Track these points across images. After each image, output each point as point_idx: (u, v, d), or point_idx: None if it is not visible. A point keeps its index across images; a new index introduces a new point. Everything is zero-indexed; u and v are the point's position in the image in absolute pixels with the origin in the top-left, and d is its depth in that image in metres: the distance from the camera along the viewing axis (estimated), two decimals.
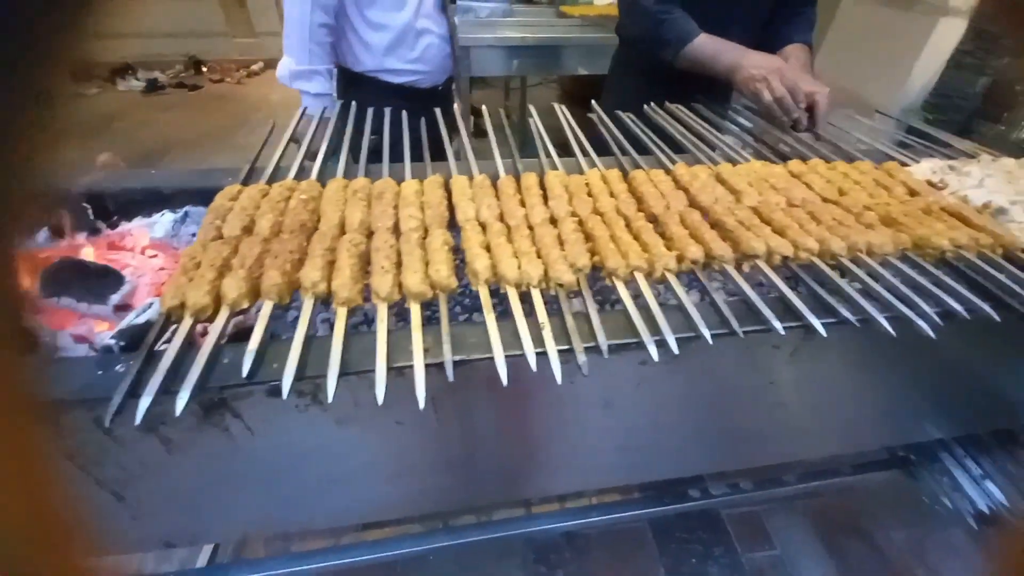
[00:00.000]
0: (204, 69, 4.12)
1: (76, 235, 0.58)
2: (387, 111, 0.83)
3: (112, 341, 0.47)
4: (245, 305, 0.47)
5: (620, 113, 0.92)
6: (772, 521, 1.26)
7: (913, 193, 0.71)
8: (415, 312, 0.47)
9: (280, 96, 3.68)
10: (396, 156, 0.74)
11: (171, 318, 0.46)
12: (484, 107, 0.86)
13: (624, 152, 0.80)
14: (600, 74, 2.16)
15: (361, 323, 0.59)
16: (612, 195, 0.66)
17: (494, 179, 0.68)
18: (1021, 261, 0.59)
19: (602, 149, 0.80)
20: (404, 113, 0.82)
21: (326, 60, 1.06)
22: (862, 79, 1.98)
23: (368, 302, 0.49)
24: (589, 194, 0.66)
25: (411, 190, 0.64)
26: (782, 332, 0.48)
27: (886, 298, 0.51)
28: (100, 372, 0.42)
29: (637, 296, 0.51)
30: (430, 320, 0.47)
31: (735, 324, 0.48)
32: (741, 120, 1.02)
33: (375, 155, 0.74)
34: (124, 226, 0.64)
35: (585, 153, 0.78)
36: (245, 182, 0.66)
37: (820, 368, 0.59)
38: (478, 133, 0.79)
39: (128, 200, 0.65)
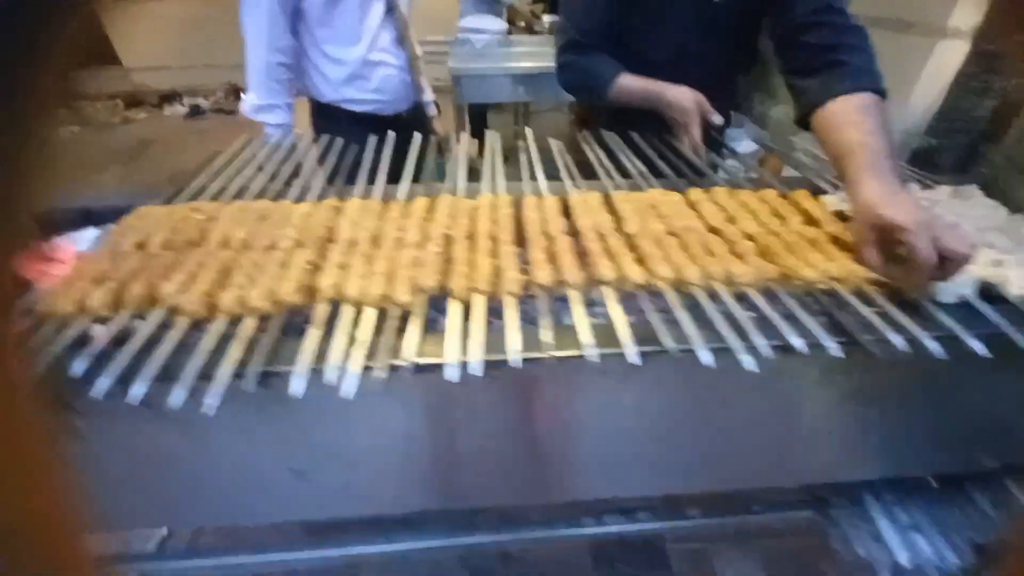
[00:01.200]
0: (243, 96, 4.47)
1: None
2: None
3: None
4: (105, 313, 0.52)
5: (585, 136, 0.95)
6: (720, 559, 1.19)
7: (812, 223, 0.69)
8: (248, 325, 0.51)
9: None
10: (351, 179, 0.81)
11: (37, 324, 0.51)
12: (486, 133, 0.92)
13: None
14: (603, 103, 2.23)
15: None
16: (493, 220, 0.68)
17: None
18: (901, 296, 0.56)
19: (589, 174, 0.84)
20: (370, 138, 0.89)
21: (284, 95, 1.17)
22: None
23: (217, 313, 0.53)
24: (471, 218, 0.68)
25: (302, 210, 0.68)
26: (596, 358, 0.48)
27: (718, 329, 0.50)
28: None
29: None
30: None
31: (550, 347, 0.49)
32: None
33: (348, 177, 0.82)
34: (57, 240, 0.72)
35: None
36: (170, 201, 0.74)
37: (672, 397, 0.57)
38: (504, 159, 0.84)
39: (64, 217, 0.74)
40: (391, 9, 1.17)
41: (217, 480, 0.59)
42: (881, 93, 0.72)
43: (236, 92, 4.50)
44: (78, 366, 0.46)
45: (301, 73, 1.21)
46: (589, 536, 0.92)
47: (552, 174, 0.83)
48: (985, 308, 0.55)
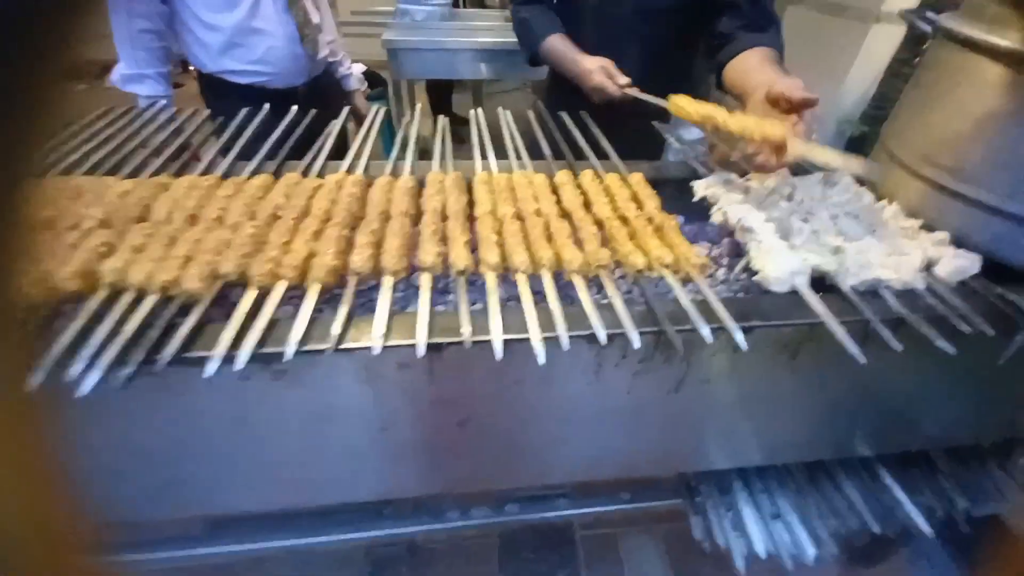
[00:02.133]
0: (191, 67, 4.23)
1: None
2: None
3: None
4: None
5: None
6: (626, 543, 1.21)
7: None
8: None
9: None
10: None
11: None
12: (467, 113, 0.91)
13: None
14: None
15: None
16: (333, 200, 0.64)
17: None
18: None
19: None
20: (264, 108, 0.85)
21: (155, 64, 1.09)
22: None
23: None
24: (308, 198, 0.64)
25: (119, 189, 0.63)
26: (377, 351, 0.45)
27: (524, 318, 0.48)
28: None
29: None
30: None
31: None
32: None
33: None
34: None
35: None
36: None
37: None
38: (459, 141, 0.80)
39: None
40: None
41: None
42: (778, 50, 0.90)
43: (184, 64, 4.25)
44: None
45: (179, 40, 1.12)
46: (481, 526, 0.92)
47: (504, 154, 0.79)
48: (811, 298, 0.53)
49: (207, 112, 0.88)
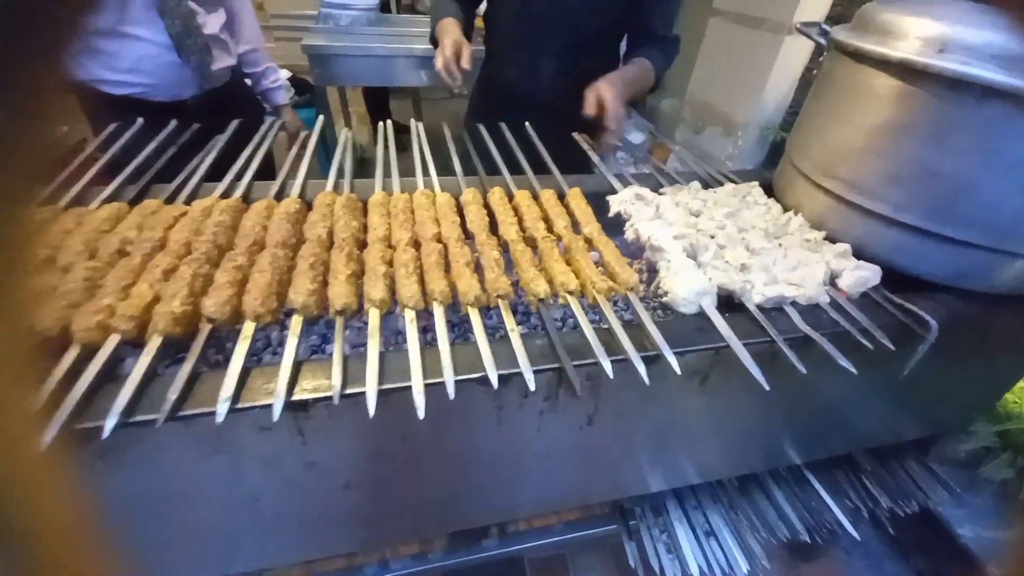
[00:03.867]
0: None
1: None
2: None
3: None
4: None
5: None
6: (576, 562, 1.17)
7: (576, 226, 0.63)
8: None
9: None
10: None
11: None
12: (413, 122, 0.83)
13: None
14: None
15: None
16: (195, 231, 0.55)
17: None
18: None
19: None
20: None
21: None
22: (730, 97, 1.97)
23: None
24: (165, 228, 0.55)
25: None
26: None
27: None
28: None
29: None
30: None
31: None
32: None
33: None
34: None
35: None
36: None
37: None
38: (401, 148, 0.74)
39: None
40: None
41: None
42: (656, 66, 1.07)
43: None
44: None
45: None
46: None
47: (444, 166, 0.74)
48: (717, 320, 0.51)
49: (63, 129, 0.76)
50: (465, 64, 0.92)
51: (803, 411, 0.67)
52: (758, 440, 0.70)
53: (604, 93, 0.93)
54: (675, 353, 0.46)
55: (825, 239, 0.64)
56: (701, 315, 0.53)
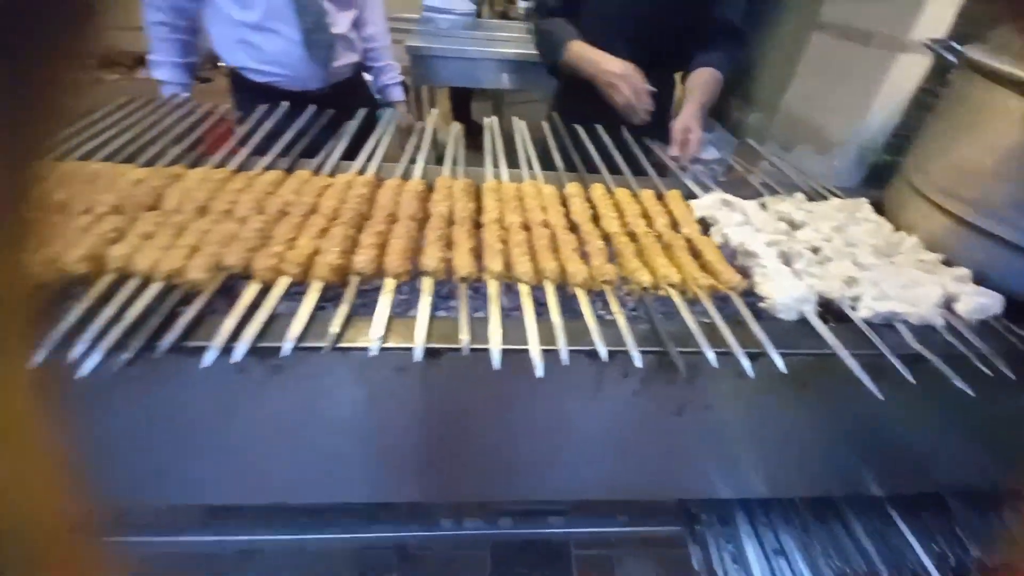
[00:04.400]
0: (220, 64, 4.35)
1: None
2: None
3: None
4: None
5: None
6: (622, 566, 1.18)
7: (676, 226, 0.65)
8: None
9: None
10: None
11: None
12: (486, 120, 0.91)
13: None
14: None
15: None
16: (341, 199, 0.64)
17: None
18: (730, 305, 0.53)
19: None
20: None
21: (171, 53, 1.13)
22: (828, 114, 1.88)
23: None
24: (318, 195, 0.64)
25: (133, 177, 0.64)
26: (375, 351, 0.44)
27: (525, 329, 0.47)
28: None
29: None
30: None
31: (330, 340, 0.45)
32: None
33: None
34: None
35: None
36: None
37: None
38: (475, 147, 0.79)
39: None
40: None
41: None
42: (724, 73, 1.08)
43: (215, 61, 4.38)
44: None
45: (207, 35, 1.16)
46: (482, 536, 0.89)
47: (516, 163, 0.80)
48: (820, 328, 0.51)
49: (225, 107, 0.89)
50: (644, 89, 0.98)
51: (895, 437, 0.65)
52: (842, 460, 0.68)
53: (693, 134, 0.98)
54: (778, 355, 0.48)
55: (942, 263, 0.62)
56: (800, 322, 0.54)
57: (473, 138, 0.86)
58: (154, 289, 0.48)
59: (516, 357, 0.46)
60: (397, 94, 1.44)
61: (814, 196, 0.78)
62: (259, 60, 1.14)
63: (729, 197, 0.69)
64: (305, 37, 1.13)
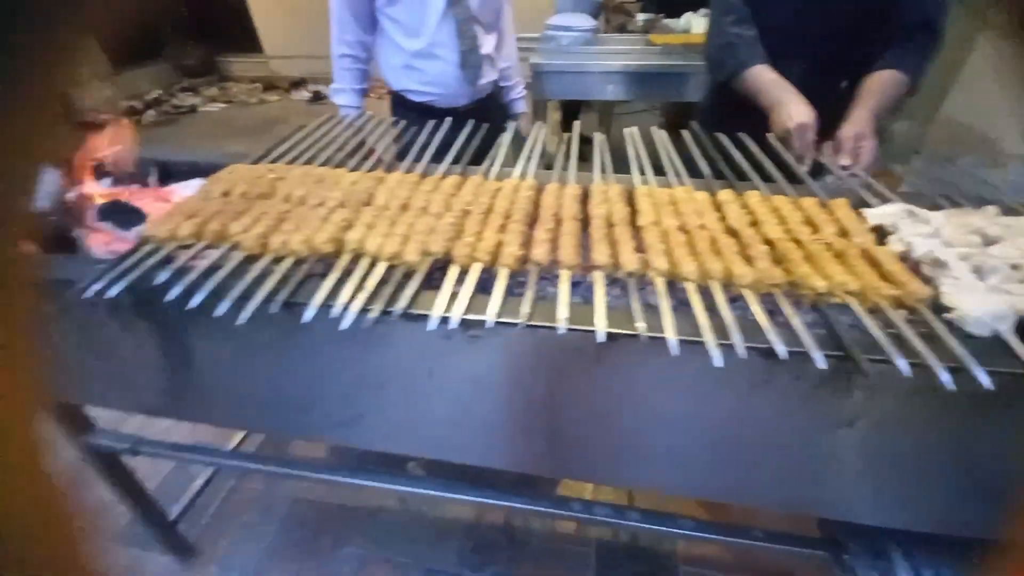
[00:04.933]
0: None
1: (131, 185, 0.85)
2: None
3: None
4: (192, 242, 0.66)
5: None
6: None
7: (844, 234, 0.64)
8: (282, 266, 0.61)
9: None
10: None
11: (142, 243, 0.67)
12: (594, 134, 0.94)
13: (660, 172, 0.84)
14: (689, 101, 2.19)
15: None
16: (512, 200, 0.72)
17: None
18: (920, 316, 0.51)
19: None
20: (443, 123, 1.00)
21: (352, 82, 1.32)
22: (997, 124, 1.61)
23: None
24: (493, 197, 0.74)
25: (349, 178, 0.78)
26: (564, 329, 0.51)
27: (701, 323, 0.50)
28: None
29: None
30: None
31: (524, 319, 0.53)
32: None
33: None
34: (171, 185, 0.90)
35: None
36: (256, 162, 0.89)
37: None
38: (582, 157, 0.87)
39: (177, 169, 0.93)
40: (453, 3, 1.24)
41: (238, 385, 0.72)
42: (912, 77, 1.00)
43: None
44: (161, 277, 0.59)
45: (376, 63, 1.36)
46: (586, 520, 0.91)
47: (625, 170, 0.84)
48: (1018, 346, 0.48)
49: (402, 123, 1.04)
50: (811, 145, 0.96)
51: None
52: None
53: (865, 142, 0.94)
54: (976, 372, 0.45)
55: None
56: (991, 340, 0.50)
57: (581, 148, 0.90)
58: (382, 268, 0.60)
59: (686, 349, 0.50)
60: (523, 106, 1.56)
61: (1007, 211, 0.70)
62: (421, 82, 1.31)
63: (914, 208, 0.65)
64: (462, 59, 1.27)
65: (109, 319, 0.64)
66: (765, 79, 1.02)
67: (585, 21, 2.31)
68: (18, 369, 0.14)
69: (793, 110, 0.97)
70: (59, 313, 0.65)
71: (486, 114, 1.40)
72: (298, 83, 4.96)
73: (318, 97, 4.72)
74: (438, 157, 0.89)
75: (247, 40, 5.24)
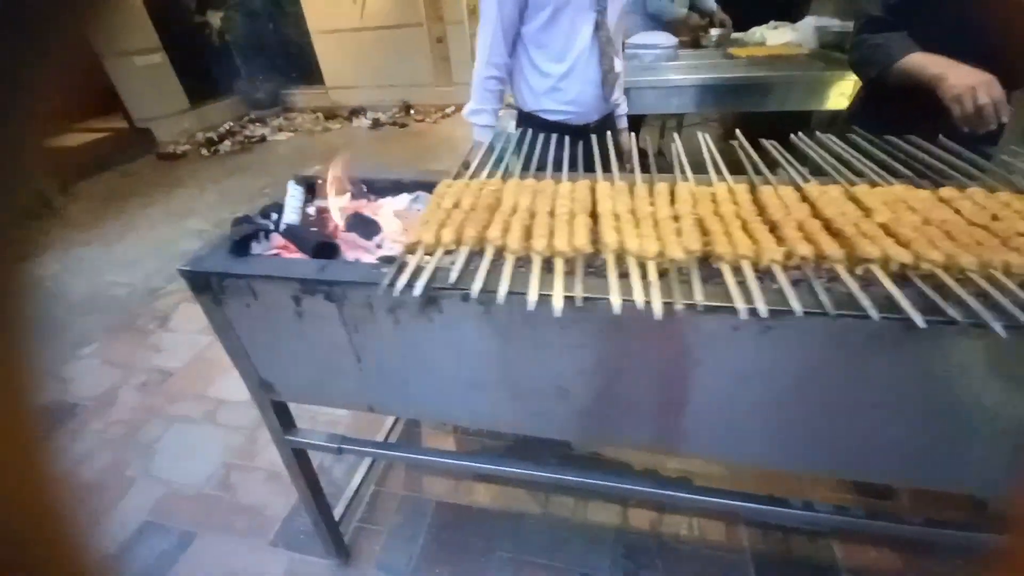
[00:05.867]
0: (412, 111, 5.18)
1: (360, 200, 0.93)
2: (545, 136, 1.07)
3: (378, 261, 0.77)
4: (454, 248, 0.72)
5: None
6: None
7: None
8: (558, 265, 0.66)
9: (462, 133, 4.43)
10: (556, 168, 0.96)
11: (409, 250, 0.73)
12: (648, 147, 1.05)
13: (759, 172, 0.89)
14: (757, 111, 2.24)
15: (521, 267, 0.80)
16: (735, 203, 0.77)
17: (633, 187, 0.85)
18: None
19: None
20: (565, 138, 1.05)
21: (492, 102, 1.39)
22: None
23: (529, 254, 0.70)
24: (713, 201, 0.78)
25: (565, 188, 0.84)
26: (876, 318, 0.53)
27: (1009, 309, 0.52)
28: (373, 271, 0.71)
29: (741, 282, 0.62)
30: (567, 273, 0.66)
31: (828, 305, 0.56)
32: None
33: (540, 168, 0.98)
34: (379, 200, 0.98)
35: (719, 173, 0.89)
36: (456, 179, 0.96)
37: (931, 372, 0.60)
38: (644, 169, 0.94)
39: (382, 185, 1.01)
40: (598, 28, 1.32)
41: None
42: None
43: (407, 108, 5.25)
44: (452, 276, 0.65)
45: (512, 85, 1.44)
46: (739, 509, 0.90)
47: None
48: None
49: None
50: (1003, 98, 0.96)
51: None
52: None
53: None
54: None
55: None
56: None
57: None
58: (651, 266, 0.64)
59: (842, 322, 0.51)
60: (624, 123, 1.62)
61: None
62: (562, 102, 1.39)
63: None
64: (603, 78, 1.35)
65: (403, 317, 0.71)
66: (924, 58, 1.03)
67: (667, 39, 2.38)
68: (10, 369, 0.13)
69: (965, 70, 0.96)
70: (309, 312, 0.72)
71: (603, 131, 1.47)
72: (357, 111, 5.23)
73: (377, 124, 4.96)
74: (598, 168, 0.94)
75: (311, 73, 5.58)
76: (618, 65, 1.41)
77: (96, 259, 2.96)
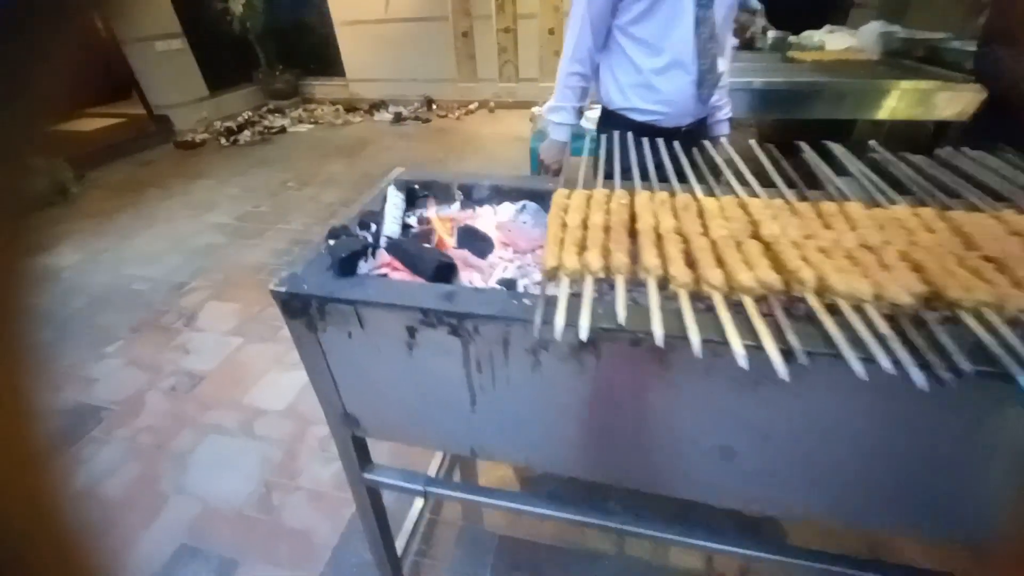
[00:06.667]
0: (434, 107, 5.06)
1: (464, 210, 0.81)
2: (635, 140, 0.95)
3: (496, 285, 0.66)
4: (602, 275, 0.60)
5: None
6: None
7: None
8: (749, 306, 0.54)
9: (488, 131, 4.30)
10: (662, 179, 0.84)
11: (549, 276, 0.61)
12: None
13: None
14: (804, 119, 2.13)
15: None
16: (930, 231, 0.65)
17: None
18: None
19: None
20: (675, 143, 0.93)
21: (573, 100, 1.29)
22: None
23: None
24: (903, 227, 0.66)
25: (711, 205, 0.73)
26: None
27: None
28: (513, 302, 0.59)
29: None
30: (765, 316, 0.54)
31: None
32: None
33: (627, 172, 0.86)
34: (477, 209, 0.86)
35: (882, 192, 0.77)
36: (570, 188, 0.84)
37: None
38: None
39: (480, 193, 0.89)
40: (699, 23, 1.20)
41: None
42: None
43: (430, 103, 5.12)
44: (619, 315, 0.54)
45: (598, 82, 1.32)
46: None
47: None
48: None
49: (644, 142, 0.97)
50: None
51: None
52: None
53: None
54: None
55: None
56: None
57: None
58: (871, 309, 0.52)
59: None
60: (724, 129, 1.49)
61: None
62: (654, 100, 1.26)
63: None
64: (700, 77, 1.23)
65: (546, 359, 0.59)
66: None
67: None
68: (13, 374, 0.13)
69: None
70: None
71: (694, 136, 1.35)
72: (378, 105, 5.11)
73: (399, 118, 4.84)
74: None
75: (333, 65, 5.45)
76: (721, 65, 1.29)
77: (115, 252, 2.85)
